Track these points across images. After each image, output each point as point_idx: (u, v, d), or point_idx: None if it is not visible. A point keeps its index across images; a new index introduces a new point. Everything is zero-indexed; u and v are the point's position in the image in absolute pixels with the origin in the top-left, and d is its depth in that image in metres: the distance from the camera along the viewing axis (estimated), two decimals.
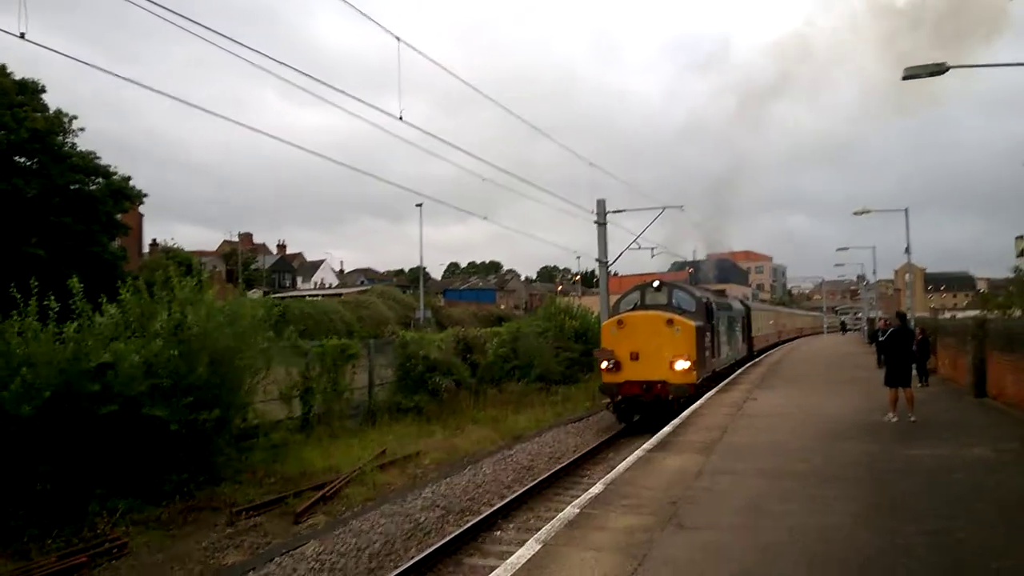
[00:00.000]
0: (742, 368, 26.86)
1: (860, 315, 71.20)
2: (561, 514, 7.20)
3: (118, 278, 36.39)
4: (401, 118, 13.54)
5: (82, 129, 37.98)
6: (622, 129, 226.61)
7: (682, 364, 17.73)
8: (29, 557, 9.24)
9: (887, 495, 7.71)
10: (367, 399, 19.71)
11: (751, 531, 6.56)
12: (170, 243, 61.71)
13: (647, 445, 11.13)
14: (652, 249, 27.97)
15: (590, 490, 8.23)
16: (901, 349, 12.99)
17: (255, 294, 64.10)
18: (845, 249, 42.07)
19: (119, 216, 39.54)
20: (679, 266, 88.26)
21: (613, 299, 22.64)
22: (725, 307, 24.46)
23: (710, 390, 19.05)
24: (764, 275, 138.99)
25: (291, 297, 58.13)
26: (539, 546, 6.07)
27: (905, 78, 11.64)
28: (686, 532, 6.56)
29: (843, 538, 6.23)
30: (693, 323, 18.18)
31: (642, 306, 19.52)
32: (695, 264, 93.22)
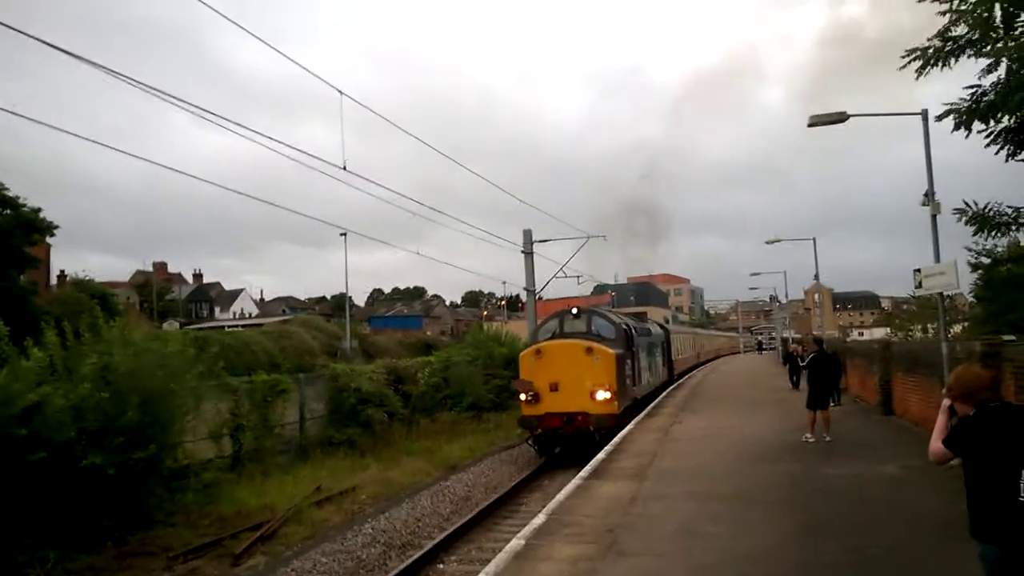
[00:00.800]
0: (664, 392, 26.69)
1: (774, 335, 74.14)
2: (508, 546, 7.49)
3: (30, 312, 35.04)
4: (345, 167, 13.79)
5: None
6: (543, 154, 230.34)
7: (603, 394, 17.19)
8: None
9: (810, 514, 8.30)
10: (298, 434, 19.52)
11: (685, 554, 7.00)
12: (81, 274, 59.17)
13: (583, 473, 11.54)
14: (578, 277, 28.71)
15: (533, 521, 8.55)
16: (822, 374, 13.88)
17: (171, 325, 62.14)
18: (757, 274, 44.15)
19: (28, 249, 37.97)
20: (601, 289, 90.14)
21: None
22: (645, 332, 23.89)
23: (631, 419, 18.52)
24: (683, 297, 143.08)
25: (210, 328, 56.55)
26: None
27: (810, 126, 12.59)
28: (626, 558, 6.95)
29: (771, 558, 6.73)
30: (613, 351, 17.64)
31: (561, 334, 18.75)
32: (617, 288, 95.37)
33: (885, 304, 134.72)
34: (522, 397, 17.62)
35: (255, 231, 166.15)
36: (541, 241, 27.60)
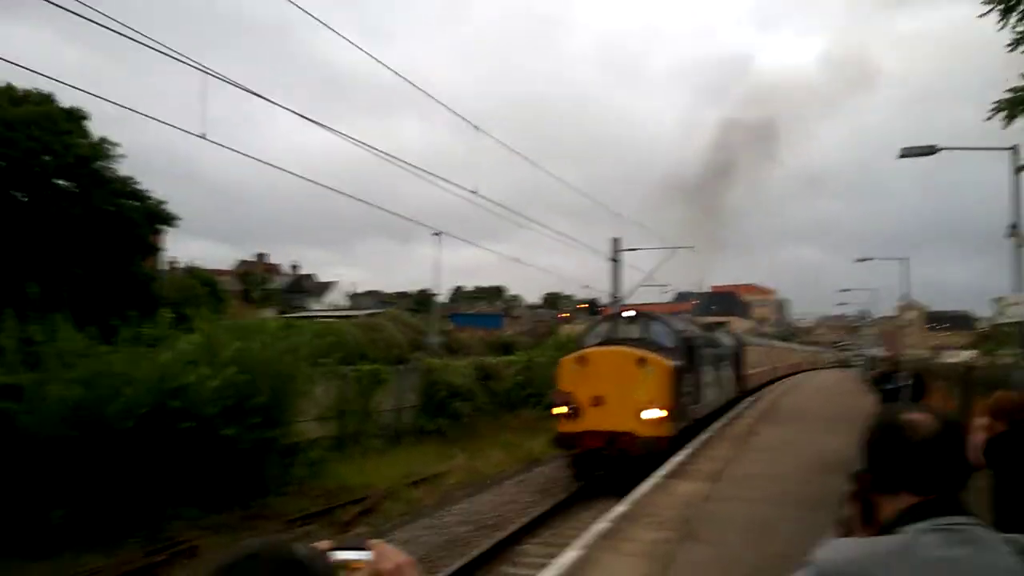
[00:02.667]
0: (733, 410, 23.80)
1: (861, 352, 72.37)
2: (595, 528, 8.53)
3: (151, 297, 38.04)
4: (476, 191, 15.43)
5: (123, 156, 39.78)
6: (634, 157, 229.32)
7: (654, 413, 14.62)
8: (116, 554, 10.57)
9: None
10: (393, 421, 21.03)
11: (754, 544, 7.88)
12: (183, 260, 63.01)
13: (661, 472, 12.44)
14: (664, 286, 29.26)
15: (615, 508, 9.55)
16: (889, 394, 14.32)
17: (270, 313, 65.55)
18: (847, 290, 43.44)
19: (151, 238, 41.23)
20: (683, 298, 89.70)
21: None
22: (712, 342, 21.36)
23: (688, 444, 15.82)
24: (768, 309, 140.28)
25: (305, 317, 59.55)
26: (582, 551, 7.40)
27: (900, 157, 13.10)
28: (700, 545, 7.88)
29: None
30: (670, 362, 15.18)
31: (611, 340, 16.19)
32: (699, 297, 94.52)
33: (982, 325, 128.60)
34: (558, 411, 15.05)
35: (347, 224, 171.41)
36: (629, 250, 28.37)
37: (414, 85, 13.41)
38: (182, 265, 59.33)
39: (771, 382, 41.67)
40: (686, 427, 16.22)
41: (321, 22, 11.29)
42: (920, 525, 1.51)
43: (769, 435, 17.94)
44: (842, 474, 8.59)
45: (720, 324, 51.86)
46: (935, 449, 1.59)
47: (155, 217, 40.54)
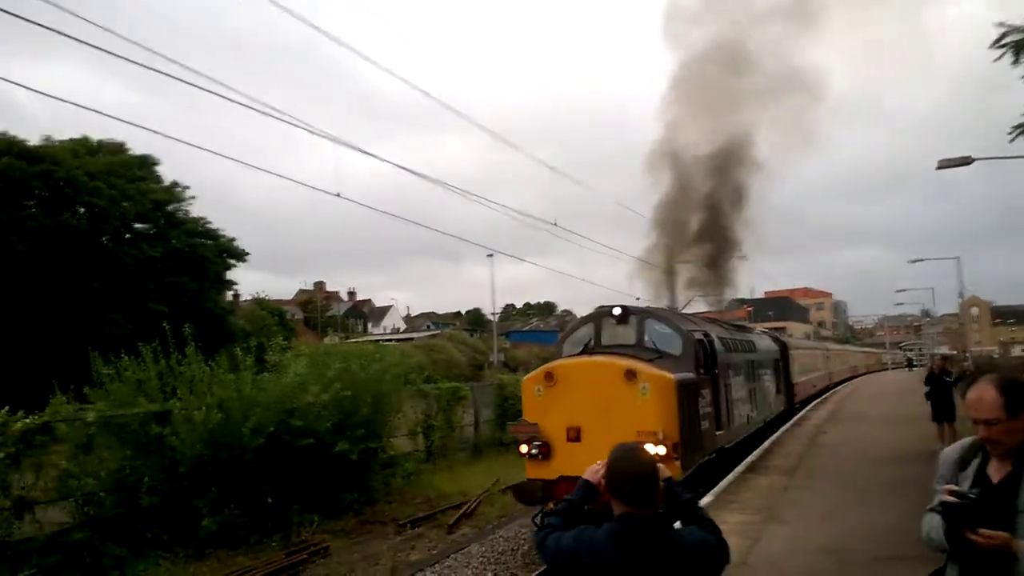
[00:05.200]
0: (782, 428, 20.28)
1: (924, 351, 71.40)
2: None
3: (226, 328, 40.20)
4: (555, 223, 16.08)
5: (194, 197, 42.37)
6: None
7: (653, 449, 9.82)
8: (258, 556, 12.02)
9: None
10: (473, 434, 22.33)
11: (831, 523, 8.91)
12: (242, 291, 65.39)
13: (739, 468, 13.44)
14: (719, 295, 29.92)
15: (702, 500, 10.61)
16: (939, 391, 14.92)
17: (331, 340, 67.91)
18: (903, 290, 43.40)
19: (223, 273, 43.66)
20: (736, 305, 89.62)
21: None
22: (742, 345, 16.27)
23: (715, 481, 12.23)
24: (825, 312, 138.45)
25: (365, 342, 61.67)
26: None
27: (938, 168, 13.96)
28: (783, 525, 8.95)
29: (900, 528, 8.53)
30: (674, 375, 10.78)
31: (597, 347, 12.12)
32: (753, 303, 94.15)
33: None
34: (522, 450, 11.02)
35: (395, 247, 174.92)
36: (681, 262, 29.25)
37: (455, 110, 14.76)
38: (244, 297, 62.21)
39: (826, 390, 36.53)
40: (707, 460, 12.08)
41: (357, 51, 12.68)
42: None
43: (836, 434, 18.72)
44: (905, 465, 9.67)
45: (778, 329, 51.89)
46: None
47: (227, 253, 43.16)
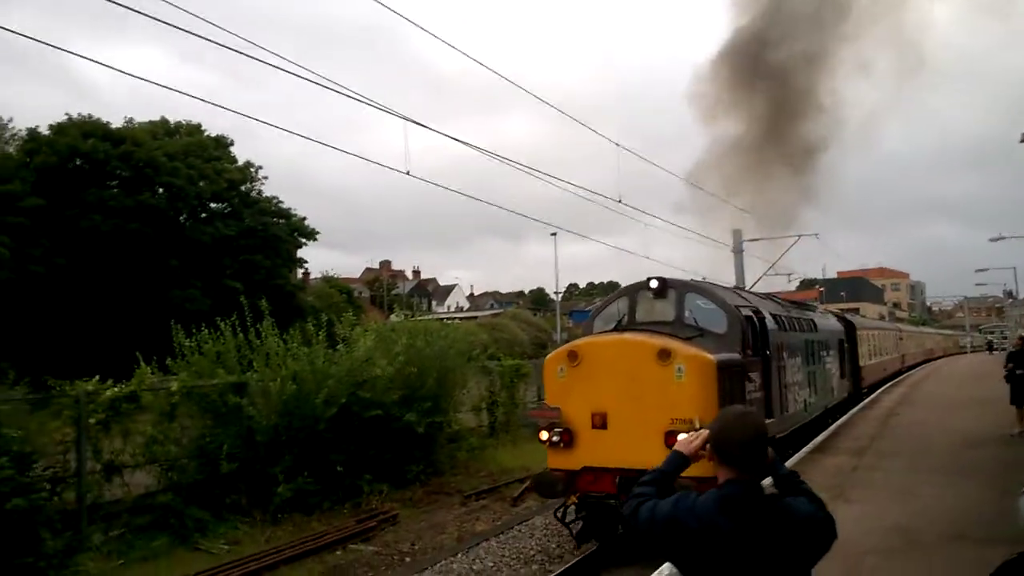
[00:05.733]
0: (847, 414, 19.02)
1: (1006, 334, 68.44)
2: None
3: (297, 305, 41.43)
4: (619, 200, 16.11)
5: (266, 177, 43.61)
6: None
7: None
8: (331, 522, 12.50)
9: (1006, 482, 9.65)
10: None
11: (900, 503, 8.77)
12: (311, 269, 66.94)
13: (807, 448, 13.28)
14: (789, 275, 29.37)
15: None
16: (1019, 371, 14.26)
17: (397, 318, 69.28)
18: (984, 270, 41.65)
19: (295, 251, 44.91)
20: (808, 284, 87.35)
21: None
22: (800, 324, 14.93)
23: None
24: (901, 292, 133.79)
25: (430, 319, 62.61)
26: None
27: (1022, 142, 13.35)
28: (852, 504, 8.85)
29: (970, 511, 8.35)
30: (713, 357, 9.65)
31: (631, 324, 10.95)
32: (826, 283, 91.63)
33: None
34: (542, 437, 10.02)
35: (459, 226, 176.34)
36: (751, 240, 28.72)
37: (520, 86, 14.65)
38: (314, 275, 63.78)
39: (898, 374, 34.85)
40: None
41: (424, 28, 12.32)
42: None
43: (909, 416, 18.25)
44: (979, 448, 9.41)
45: (851, 311, 50.39)
46: None
47: (298, 232, 44.35)
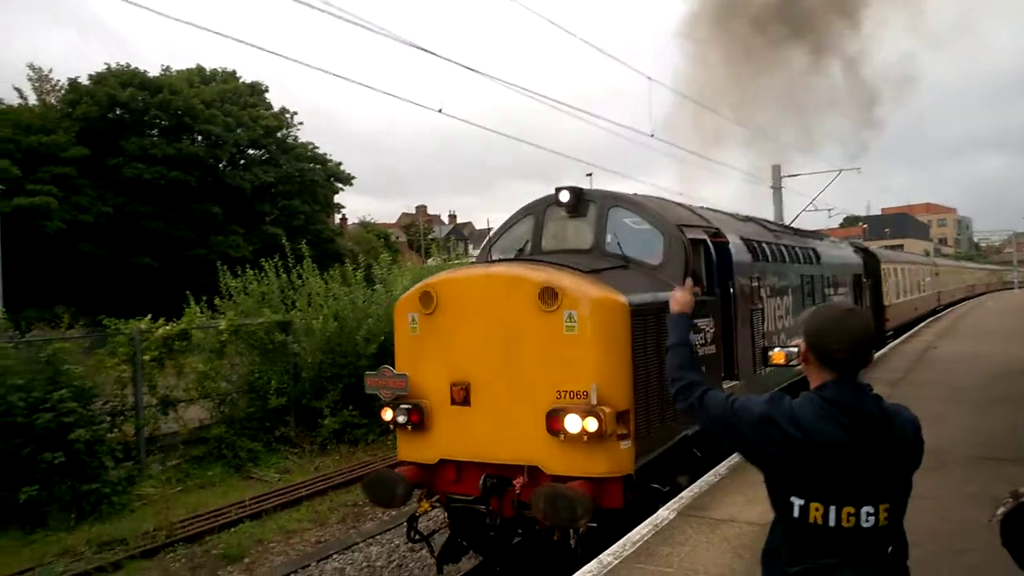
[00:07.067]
0: (891, 343, 18.66)
1: None
2: None
3: (335, 252, 42.22)
4: (653, 134, 15.86)
5: (301, 123, 43.86)
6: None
7: (579, 423, 5.89)
8: (375, 453, 13.04)
9: None
10: None
11: (934, 430, 8.85)
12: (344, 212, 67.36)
13: None
14: (829, 210, 28.96)
15: None
16: None
17: (434, 261, 69.84)
18: None
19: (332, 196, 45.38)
20: (851, 222, 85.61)
21: None
22: (794, 254, 11.93)
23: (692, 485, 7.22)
24: (947, 228, 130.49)
25: (467, 263, 62.77)
26: None
27: None
28: None
29: (1003, 432, 8.45)
30: (624, 297, 6.37)
31: (535, 253, 7.98)
32: (869, 220, 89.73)
33: None
34: (385, 416, 6.95)
35: (492, 167, 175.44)
36: (791, 176, 28.25)
37: (557, 24, 14.58)
38: (351, 220, 64.37)
39: (932, 314, 31.17)
40: (674, 441, 7.07)
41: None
42: None
43: (947, 349, 18.14)
44: (1018, 379, 9.41)
45: (895, 247, 49.35)
46: None
47: (334, 178, 44.74)
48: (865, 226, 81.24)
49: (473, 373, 6.51)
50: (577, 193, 7.95)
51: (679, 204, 9.47)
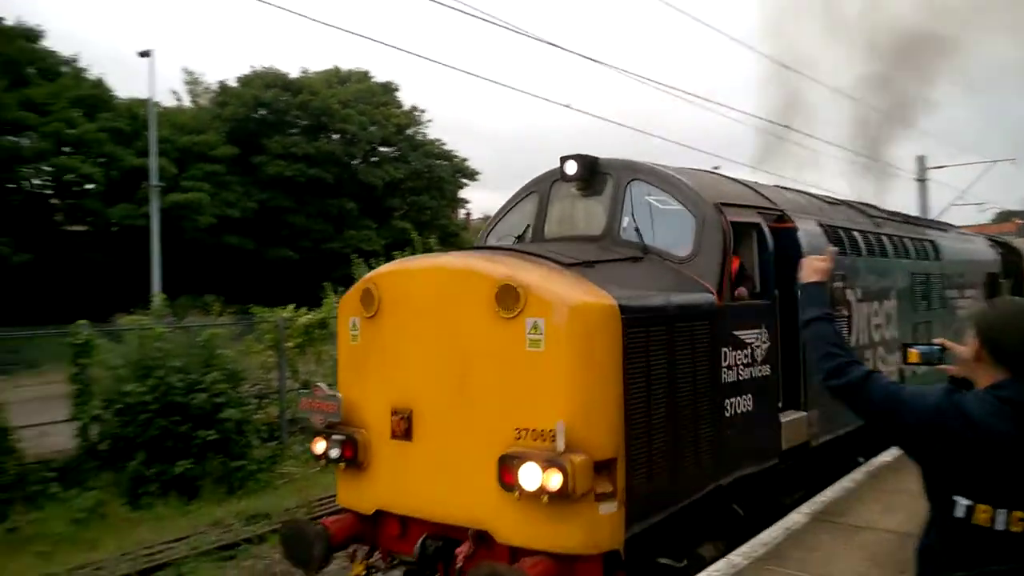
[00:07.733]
0: None
1: None
2: None
3: (460, 244, 43.22)
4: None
5: (430, 120, 45.07)
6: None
7: (537, 476, 4.20)
8: None
9: None
10: None
11: None
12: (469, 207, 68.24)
13: None
14: (980, 204, 26.87)
15: None
16: None
17: None
18: None
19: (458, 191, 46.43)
20: (1004, 217, 78.93)
21: None
22: (901, 246, 9.63)
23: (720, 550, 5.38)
24: None
25: None
26: None
27: None
28: None
29: None
30: (612, 300, 4.60)
31: (537, 239, 6.40)
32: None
33: None
34: (315, 449, 5.42)
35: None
36: (937, 167, 26.46)
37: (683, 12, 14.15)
38: (475, 216, 65.29)
39: None
40: (697, 497, 5.19)
41: None
42: None
43: None
44: None
45: None
46: None
47: (461, 173, 45.72)
48: (1020, 222, 74.73)
49: (417, 398, 4.97)
50: (588, 164, 6.18)
51: (733, 179, 7.37)
